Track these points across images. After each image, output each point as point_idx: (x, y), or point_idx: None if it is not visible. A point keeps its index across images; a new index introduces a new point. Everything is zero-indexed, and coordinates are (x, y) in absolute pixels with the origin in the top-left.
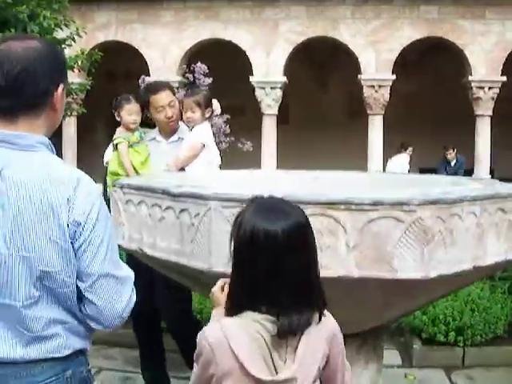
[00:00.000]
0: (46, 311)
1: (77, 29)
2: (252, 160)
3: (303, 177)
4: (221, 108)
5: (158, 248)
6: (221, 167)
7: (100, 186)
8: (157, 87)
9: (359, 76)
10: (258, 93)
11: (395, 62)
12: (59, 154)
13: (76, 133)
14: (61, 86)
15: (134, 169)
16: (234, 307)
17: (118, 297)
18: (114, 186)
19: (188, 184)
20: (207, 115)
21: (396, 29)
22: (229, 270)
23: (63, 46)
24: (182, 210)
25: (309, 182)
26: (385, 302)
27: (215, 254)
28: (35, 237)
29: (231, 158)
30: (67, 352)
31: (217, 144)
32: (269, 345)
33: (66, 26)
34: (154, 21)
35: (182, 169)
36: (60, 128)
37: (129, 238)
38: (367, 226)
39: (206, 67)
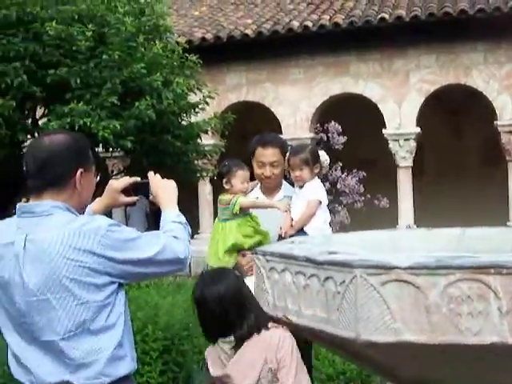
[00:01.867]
0: (85, 340)
1: (209, 92)
2: (388, 216)
3: (447, 234)
4: (356, 162)
5: (304, 316)
6: (353, 227)
7: None
8: (267, 141)
9: (495, 122)
10: (392, 145)
11: None
12: (195, 214)
13: (211, 193)
14: (79, 170)
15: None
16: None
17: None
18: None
19: (330, 250)
20: (316, 171)
21: None
22: (377, 338)
23: (197, 110)
24: (327, 278)
25: (454, 240)
26: None
27: (362, 323)
28: (63, 279)
29: (367, 217)
30: (108, 380)
31: (351, 204)
32: (221, 356)
33: (199, 89)
34: (283, 79)
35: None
36: (196, 189)
37: (273, 305)
38: None
39: (339, 126)
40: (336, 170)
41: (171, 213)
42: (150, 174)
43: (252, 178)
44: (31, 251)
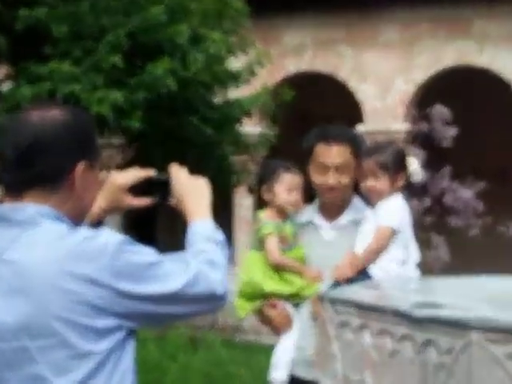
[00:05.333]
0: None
1: (257, 55)
2: None
3: None
4: (473, 170)
5: None
6: (462, 266)
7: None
8: (332, 135)
9: None
10: None
11: None
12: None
13: (251, 208)
14: (81, 164)
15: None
16: None
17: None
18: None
19: (431, 300)
20: (399, 183)
21: None
22: None
23: (238, 82)
24: (427, 342)
25: None
26: None
27: None
28: (54, 321)
29: (485, 250)
30: None
31: (463, 229)
32: None
33: (243, 51)
34: (368, 41)
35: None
36: (229, 199)
37: (344, 378)
38: None
39: (447, 112)
40: (442, 179)
41: (203, 225)
42: (173, 166)
43: (308, 191)
44: (6, 277)
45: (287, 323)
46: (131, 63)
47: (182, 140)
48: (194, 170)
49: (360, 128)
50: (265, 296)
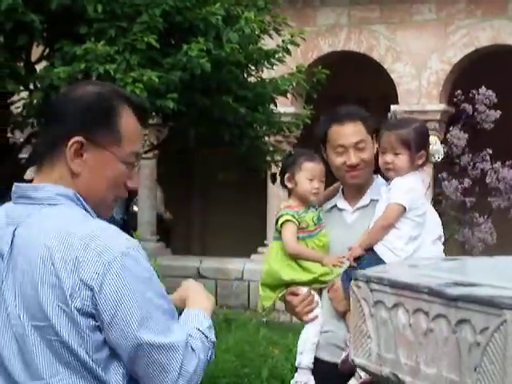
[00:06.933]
0: None
1: (291, 35)
2: None
3: None
4: None
5: (422, 376)
6: (505, 247)
7: None
8: (344, 115)
9: None
10: None
11: None
12: (265, 220)
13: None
14: (75, 140)
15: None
16: None
17: (164, 369)
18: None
19: (467, 280)
20: (419, 162)
21: None
22: None
23: (272, 61)
24: (461, 321)
25: None
26: None
27: None
28: (44, 303)
29: None
30: None
31: (507, 209)
32: None
33: (276, 31)
34: (403, 20)
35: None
36: (264, 181)
37: (377, 357)
38: None
39: (493, 95)
40: (484, 162)
41: (200, 315)
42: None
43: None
44: (20, 250)
45: (310, 309)
46: (166, 43)
47: (216, 120)
48: (228, 149)
49: (395, 108)
50: (286, 284)
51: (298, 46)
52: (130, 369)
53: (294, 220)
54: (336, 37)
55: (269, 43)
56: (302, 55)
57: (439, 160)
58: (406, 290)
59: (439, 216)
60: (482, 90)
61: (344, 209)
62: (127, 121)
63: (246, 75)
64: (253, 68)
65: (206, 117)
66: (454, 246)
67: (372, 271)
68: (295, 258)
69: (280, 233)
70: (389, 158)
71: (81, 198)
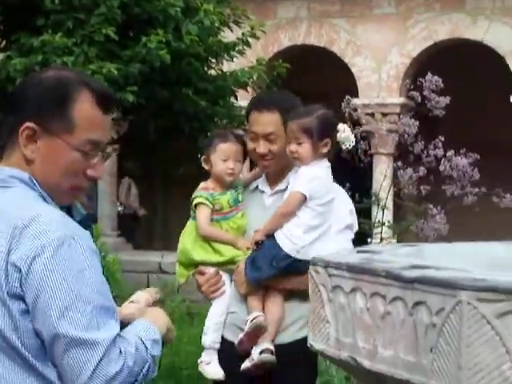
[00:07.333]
0: (7, 375)
1: (251, 28)
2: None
3: None
4: (467, 143)
5: (380, 358)
6: (460, 234)
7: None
8: (264, 102)
9: None
10: None
11: None
12: None
13: None
14: (26, 125)
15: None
16: None
17: (79, 364)
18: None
19: (423, 263)
20: (323, 150)
21: None
22: None
23: (232, 53)
24: (418, 303)
25: None
26: None
27: (467, 372)
28: None
29: (481, 219)
30: None
31: (460, 196)
32: None
33: (237, 24)
34: (364, 14)
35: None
36: None
37: (336, 341)
38: None
39: (439, 80)
40: (436, 149)
41: (150, 328)
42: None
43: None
44: None
45: (216, 289)
46: (124, 35)
47: (176, 113)
48: (188, 142)
49: (355, 102)
50: (196, 264)
51: (258, 38)
52: (50, 358)
53: (207, 202)
54: (296, 30)
55: (229, 36)
56: (262, 49)
57: (350, 147)
58: (363, 274)
59: (397, 208)
60: (428, 76)
61: (264, 191)
62: (83, 107)
63: (206, 68)
64: (213, 61)
65: (166, 110)
66: (409, 236)
67: (330, 257)
68: (207, 239)
69: (194, 213)
70: (293, 147)
71: (36, 183)
